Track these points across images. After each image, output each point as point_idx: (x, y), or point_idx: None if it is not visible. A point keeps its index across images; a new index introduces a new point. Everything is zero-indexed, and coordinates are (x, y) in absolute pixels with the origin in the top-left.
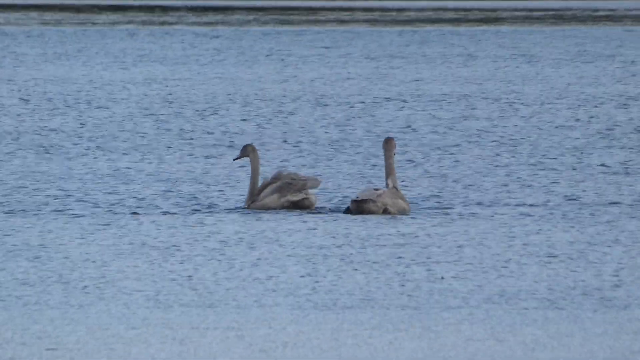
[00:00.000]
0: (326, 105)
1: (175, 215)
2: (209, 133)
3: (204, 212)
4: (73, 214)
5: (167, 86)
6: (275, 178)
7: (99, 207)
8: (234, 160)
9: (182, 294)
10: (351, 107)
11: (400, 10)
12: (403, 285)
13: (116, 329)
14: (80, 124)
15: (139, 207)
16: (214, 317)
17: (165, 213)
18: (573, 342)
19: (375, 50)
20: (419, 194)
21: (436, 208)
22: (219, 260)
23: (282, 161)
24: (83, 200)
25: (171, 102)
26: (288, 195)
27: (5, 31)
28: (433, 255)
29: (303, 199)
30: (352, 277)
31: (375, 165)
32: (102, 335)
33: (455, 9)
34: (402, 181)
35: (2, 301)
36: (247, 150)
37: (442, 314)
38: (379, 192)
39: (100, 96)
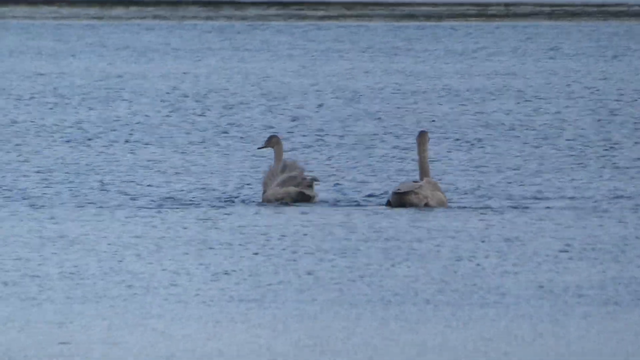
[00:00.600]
0: (351, 99)
1: (200, 208)
2: (232, 125)
3: (232, 205)
4: (100, 207)
5: (186, 80)
6: (283, 169)
7: (125, 200)
8: (258, 149)
9: (217, 289)
10: (380, 101)
11: (415, 4)
12: (442, 280)
13: (151, 324)
14: (104, 117)
15: (165, 201)
16: (250, 312)
17: (189, 206)
18: (615, 338)
19: (397, 45)
20: (456, 186)
21: (473, 201)
22: (256, 254)
23: (304, 154)
24: (109, 194)
25: (193, 96)
26: (289, 188)
27: (21, 25)
28: (472, 248)
29: (302, 192)
30: (393, 271)
31: (404, 159)
32: (138, 330)
33: (473, 4)
34: (442, 174)
35: (37, 296)
36: (271, 142)
37: (482, 309)
38: (418, 184)
39: (122, 90)
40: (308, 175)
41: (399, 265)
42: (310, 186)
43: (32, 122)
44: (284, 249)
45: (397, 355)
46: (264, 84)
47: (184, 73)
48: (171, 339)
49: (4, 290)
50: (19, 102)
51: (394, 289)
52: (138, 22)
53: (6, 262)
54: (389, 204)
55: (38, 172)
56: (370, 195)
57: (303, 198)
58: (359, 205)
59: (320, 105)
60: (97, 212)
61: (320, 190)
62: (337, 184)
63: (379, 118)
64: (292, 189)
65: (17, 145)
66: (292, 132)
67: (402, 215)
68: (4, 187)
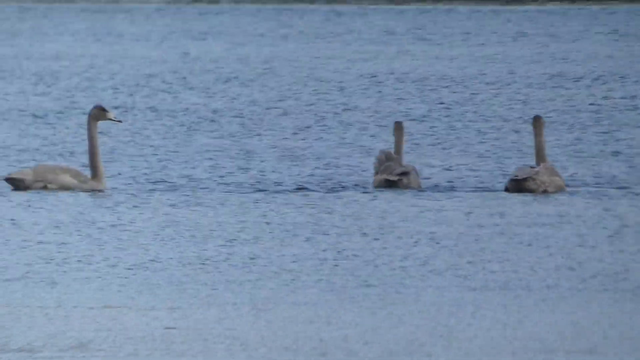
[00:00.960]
0: (462, 86)
1: (314, 192)
2: (350, 110)
3: (346, 189)
4: (214, 193)
5: (300, 64)
6: (389, 157)
7: (241, 186)
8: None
9: (333, 274)
10: (494, 86)
11: None
12: (563, 265)
13: (264, 311)
14: (213, 101)
15: (280, 186)
16: (367, 297)
17: (302, 191)
18: None
19: (528, 29)
20: (575, 171)
21: (591, 186)
22: (377, 240)
23: (422, 138)
24: (224, 179)
25: (306, 81)
26: (385, 174)
27: (126, 8)
28: (593, 233)
29: (399, 179)
30: (514, 257)
31: (515, 144)
32: (250, 316)
33: None
34: (560, 159)
35: (149, 280)
36: (393, 128)
37: (602, 294)
38: (535, 170)
39: (228, 74)
40: (404, 166)
41: (520, 251)
42: (404, 173)
43: (134, 107)
44: (402, 234)
45: (519, 341)
46: (373, 69)
47: (312, 58)
48: (289, 326)
49: (122, 275)
50: (124, 86)
51: (514, 274)
52: (225, 6)
53: (125, 249)
54: (506, 190)
55: (147, 158)
56: (485, 181)
57: (391, 185)
58: (475, 191)
59: (432, 91)
60: (212, 198)
61: (435, 176)
62: (452, 169)
63: (492, 104)
64: (382, 177)
65: (130, 129)
66: (406, 118)
67: (521, 201)
68: (119, 173)
